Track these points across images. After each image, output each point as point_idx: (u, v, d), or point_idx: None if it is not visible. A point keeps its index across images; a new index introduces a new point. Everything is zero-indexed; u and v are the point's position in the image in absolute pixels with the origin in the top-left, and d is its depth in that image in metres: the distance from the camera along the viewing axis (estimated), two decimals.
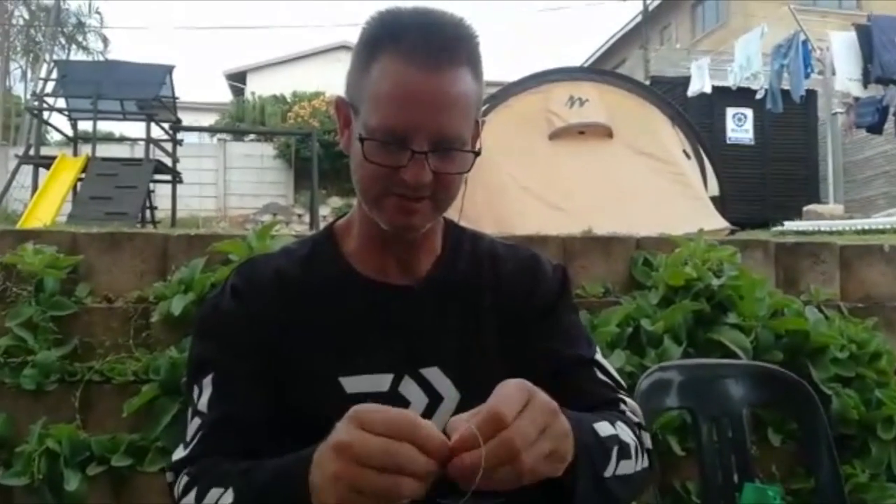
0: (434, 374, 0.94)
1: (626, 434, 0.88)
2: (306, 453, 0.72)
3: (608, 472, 0.82)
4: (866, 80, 8.63)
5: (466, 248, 1.02)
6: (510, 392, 0.70)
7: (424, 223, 0.91)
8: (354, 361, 0.92)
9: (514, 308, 0.99)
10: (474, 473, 0.66)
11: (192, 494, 0.82)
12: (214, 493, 0.80)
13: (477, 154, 0.91)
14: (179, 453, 0.90)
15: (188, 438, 0.90)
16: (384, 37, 0.87)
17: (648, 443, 0.93)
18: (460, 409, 0.92)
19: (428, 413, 0.92)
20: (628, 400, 0.97)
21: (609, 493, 0.82)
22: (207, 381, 0.91)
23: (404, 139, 0.85)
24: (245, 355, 0.91)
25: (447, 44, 0.86)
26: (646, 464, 0.90)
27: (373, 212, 0.91)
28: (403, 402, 0.92)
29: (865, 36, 8.57)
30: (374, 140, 0.86)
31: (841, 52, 8.69)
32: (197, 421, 0.90)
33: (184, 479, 0.86)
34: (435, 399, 0.93)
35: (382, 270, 0.97)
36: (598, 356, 1.00)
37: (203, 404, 0.90)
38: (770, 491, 1.54)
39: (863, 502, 2.31)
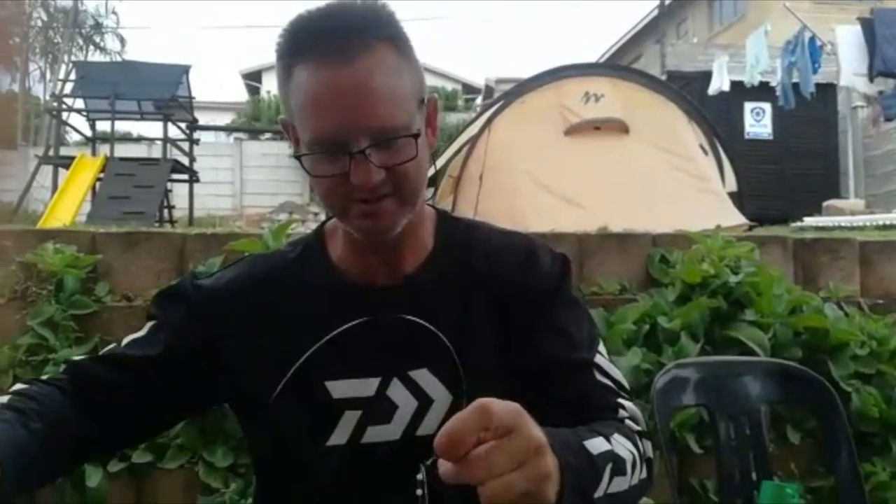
0: (423, 376, 0.91)
1: (622, 447, 0.81)
2: None
3: (599, 493, 0.76)
4: (871, 74, 8.46)
5: (459, 242, 0.97)
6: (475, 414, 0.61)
7: (394, 223, 0.86)
8: (340, 366, 0.90)
9: (508, 302, 0.93)
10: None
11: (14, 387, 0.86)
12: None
13: (416, 136, 0.84)
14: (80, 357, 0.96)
15: (99, 353, 0.94)
16: (292, 45, 0.83)
17: (650, 451, 0.88)
18: (452, 410, 0.87)
19: (418, 416, 0.90)
20: (628, 404, 0.91)
21: None
22: (147, 326, 0.94)
23: (339, 144, 0.81)
24: (186, 342, 0.92)
25: (354, 31, 0.80)
26: (644, 475, 0.85)
27: (344, 224, 0.89)
28: (391, 406, 0.90)
29: (869, 30, 8.39)
30: (311, 154, 0.83)
31: (846, 47, 8.51)
32: (114, 345, 0.94)
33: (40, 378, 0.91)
34: (424, 402, 0.90)
35: (369, 273, 0.93)
36: (599, 357, 0.93)
37: (129, 337, 0.94)
38: (789, 489, 1.53)
39: (883, 501, 2.29)
